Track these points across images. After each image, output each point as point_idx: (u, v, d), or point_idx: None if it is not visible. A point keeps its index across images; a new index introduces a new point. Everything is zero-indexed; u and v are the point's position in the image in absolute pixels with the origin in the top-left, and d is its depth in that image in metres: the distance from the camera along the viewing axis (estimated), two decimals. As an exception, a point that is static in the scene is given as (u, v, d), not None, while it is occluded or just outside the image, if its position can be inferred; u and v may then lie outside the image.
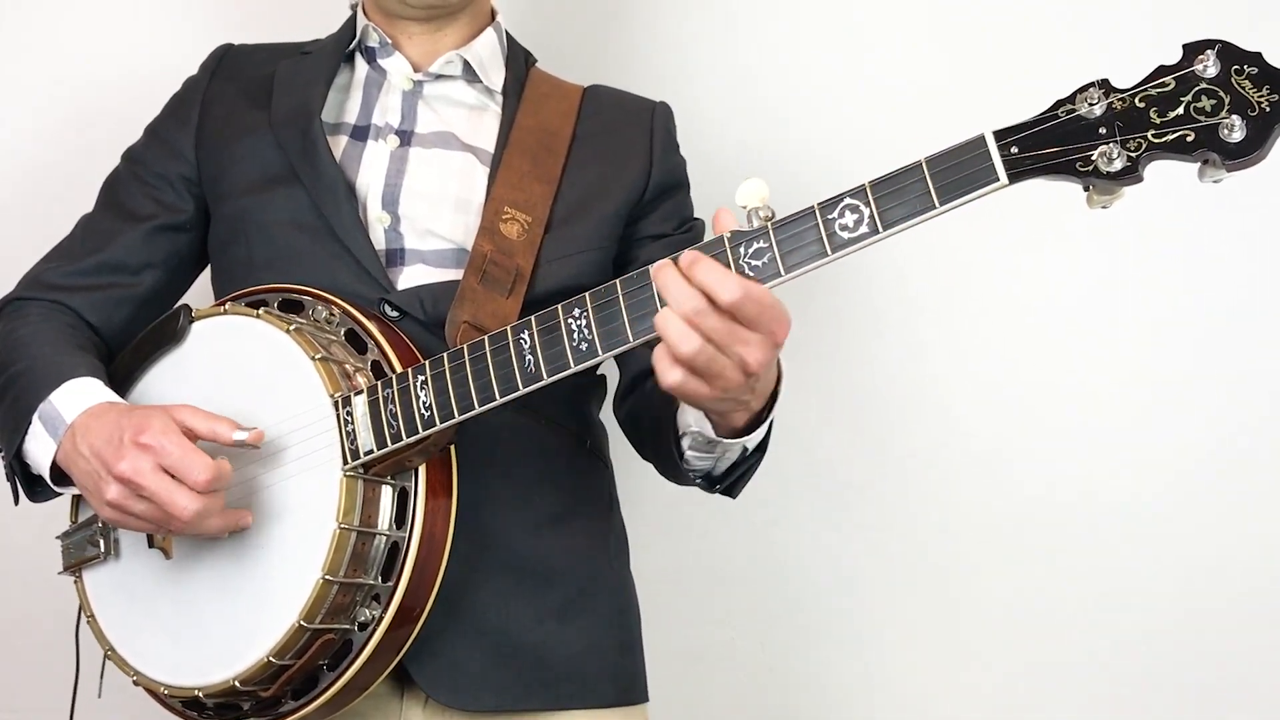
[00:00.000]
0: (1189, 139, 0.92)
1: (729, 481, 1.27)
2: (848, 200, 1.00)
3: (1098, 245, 1.76)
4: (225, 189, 1.38)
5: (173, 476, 1.13)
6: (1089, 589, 1.76)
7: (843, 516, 1.84)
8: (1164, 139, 0.92)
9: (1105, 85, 0.95)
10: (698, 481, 1.27)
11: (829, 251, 1.00)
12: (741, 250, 1.02)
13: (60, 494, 1.30)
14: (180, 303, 1.35)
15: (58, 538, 1.34)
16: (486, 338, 1.13)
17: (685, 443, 1.24)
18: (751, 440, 1.19)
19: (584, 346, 1.07)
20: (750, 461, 1.24)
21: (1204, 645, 1.73)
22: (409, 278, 1.31)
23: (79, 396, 1.23)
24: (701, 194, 1.50)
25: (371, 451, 1.15)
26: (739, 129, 1.85)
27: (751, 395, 1.09)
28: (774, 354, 1.02)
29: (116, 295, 1.38)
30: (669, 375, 1.01)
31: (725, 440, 1.18)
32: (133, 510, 1.16)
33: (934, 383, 1.82)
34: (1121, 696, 1.74)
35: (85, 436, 1.19)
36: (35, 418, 1.23)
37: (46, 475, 1.25)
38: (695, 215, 1.49)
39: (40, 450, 1.24)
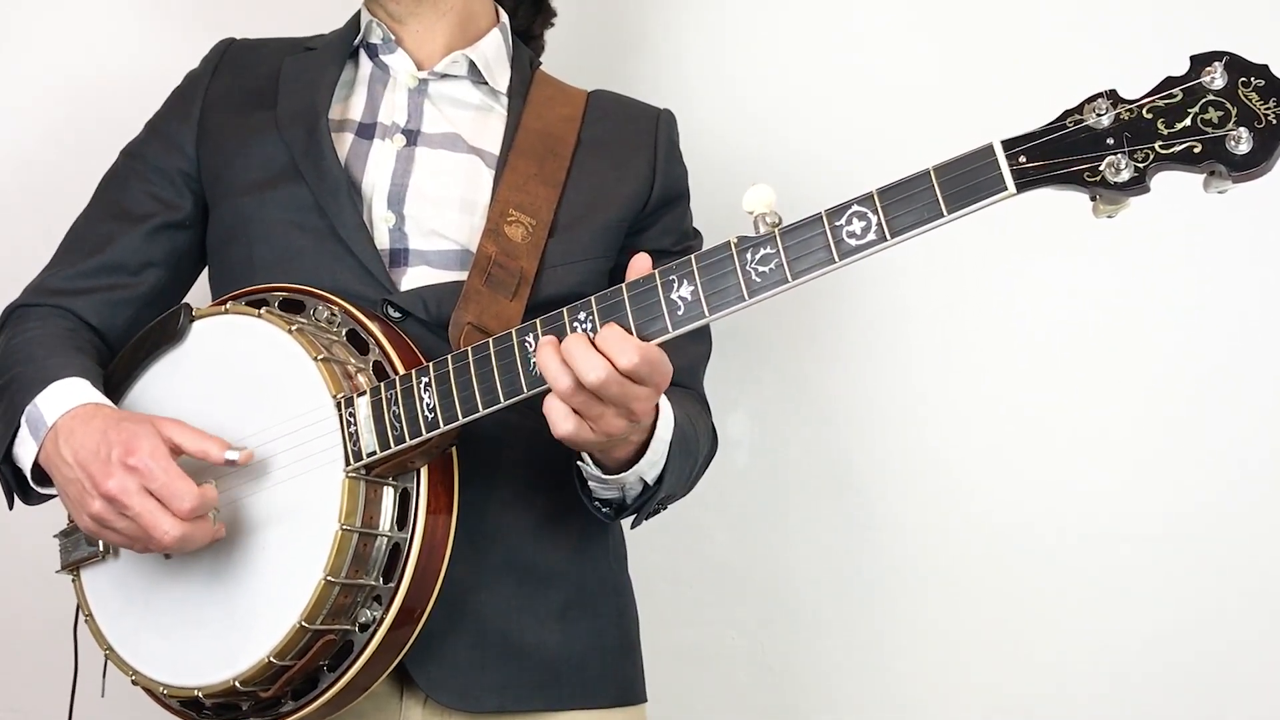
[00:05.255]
0: (1196, 150, 0.92)
1: (633, 511, 1.29)
2: (855, 207, 1.00)
3: (1102, 255, 1.76)
4: (226, 187, 1.37)
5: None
6: (1091, 590, 1.76)
7: (843, 516, 1.84)
8: (1171, 150, 0.93)
9: (1113, 96, 0.95)
10: (604, 512, 1.29)
11: (836, 258, 1.00)
12: (748, 256, 1.02)
13: (47, 496, 1.29)
14: (180, 302, 1.35)
15: (55, 536, 1.33)
16: (491, 339, 1.12)
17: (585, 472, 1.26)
18: (650, 473, 1.21)
19: None
20: (652, 494, 1.25)
21: (1208, 649, 1.73)
22: (412, 279, 1.31)
23: (63, 398, 1.21)
24: (705, 198, 1.50)
25: (374, 453, 1.15)
26: (739, 134, 1.85)
27: (634, 431, 1.14)
28: (656, 399, 1.10)
29: (118, 296, 1.38)
30: (562, 425, 1.08)
31: (613, 477, 1.21)
32: (114, 526, 1.15)
33: (934, 384, 1.82)
34: (1122, 698, 1.75)
35: (69, 441, 1.17)
36: (22, 420, 1.22)
37: (28, 475, 1.24)
38: (695, 227, 1.49)
39: (25, 452, 1.23)
